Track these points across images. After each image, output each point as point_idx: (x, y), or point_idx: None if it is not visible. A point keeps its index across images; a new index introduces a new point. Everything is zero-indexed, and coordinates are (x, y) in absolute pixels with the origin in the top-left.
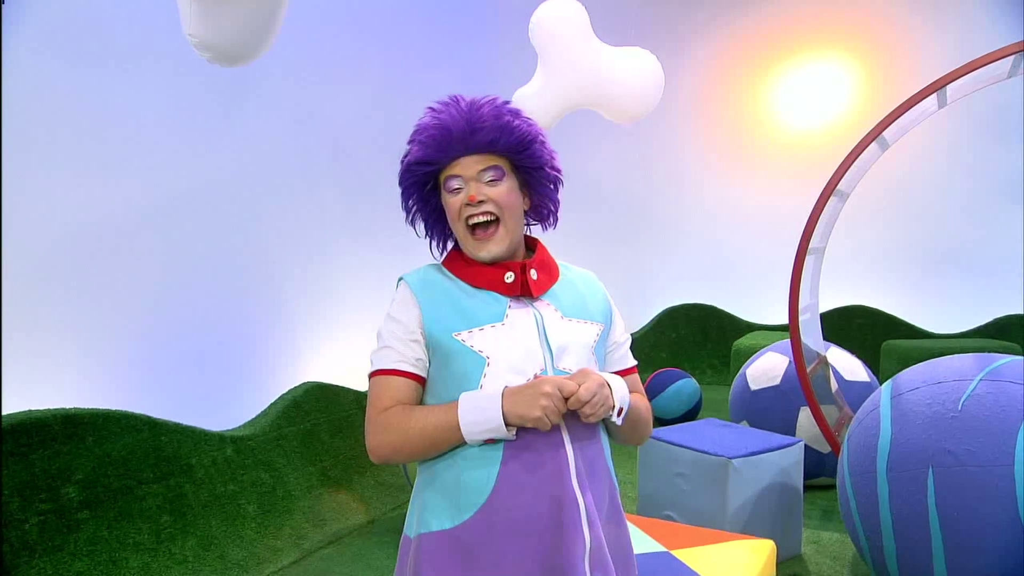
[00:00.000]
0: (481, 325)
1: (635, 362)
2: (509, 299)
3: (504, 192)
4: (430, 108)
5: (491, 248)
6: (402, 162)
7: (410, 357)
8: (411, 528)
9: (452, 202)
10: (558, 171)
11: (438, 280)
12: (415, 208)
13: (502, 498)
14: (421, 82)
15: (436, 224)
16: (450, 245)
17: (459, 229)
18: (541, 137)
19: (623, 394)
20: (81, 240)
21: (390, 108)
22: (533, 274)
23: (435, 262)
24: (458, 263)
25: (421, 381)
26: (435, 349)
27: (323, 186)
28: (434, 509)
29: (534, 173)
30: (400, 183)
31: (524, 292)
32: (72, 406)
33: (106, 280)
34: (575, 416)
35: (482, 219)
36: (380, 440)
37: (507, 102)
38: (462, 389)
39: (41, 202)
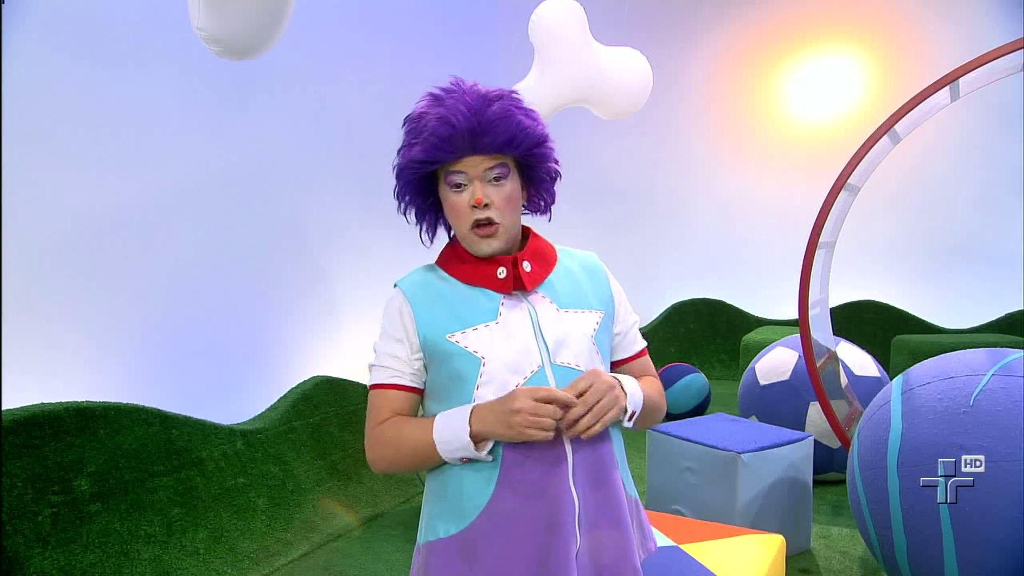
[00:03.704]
0: (474, 325)
1: (644, 344)
2: (502, 296)
3: (507, 194)
4: (431, 95)
5: (492, 243)
6: (400, 153)
7: (406, 372)
8: (422, 536)
9: (456, 201)
10: (558, 166)
11: (432, 281)
12: (410, 199)
13: (501, 499)
14: (424, 75)
15: (428, 212)
16: (439, 231)
17: (462, 228)
18: (548, 138)
19: (637, 399)
20: (93, 233)
21: (396, 101)
22: (526, 266)
23: (430, 263)
24: (452, 260)
25: (419, 392)
26: (431, 353)
27: (333, 179)
28: (441, 516)
29: (537, 170)
30: (398, 177)
31: (518, 286)
32: (84, 399)
33: (117, 273)
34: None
35: (484, 218)
36: (377, 454)
37: (514, 95)
38: (459, 391)
39: (52, 195)
